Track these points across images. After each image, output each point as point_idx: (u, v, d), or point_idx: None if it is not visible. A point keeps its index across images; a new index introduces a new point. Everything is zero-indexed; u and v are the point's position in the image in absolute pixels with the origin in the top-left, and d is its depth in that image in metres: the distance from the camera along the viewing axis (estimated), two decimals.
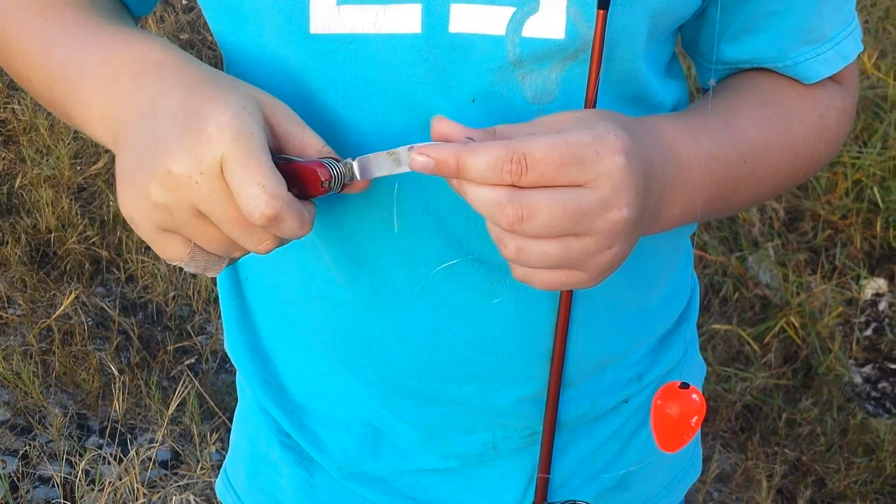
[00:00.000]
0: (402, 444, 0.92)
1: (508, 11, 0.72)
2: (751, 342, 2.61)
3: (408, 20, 0.72)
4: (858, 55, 0.85)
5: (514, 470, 0.92)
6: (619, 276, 0.83)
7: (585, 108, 0.72)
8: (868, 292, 2.80)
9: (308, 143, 0.69)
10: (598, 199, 0.64)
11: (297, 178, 0.68)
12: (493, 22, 0.72)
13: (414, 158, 0.64)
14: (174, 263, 0.69)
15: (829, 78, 0.85)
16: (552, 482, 0.92)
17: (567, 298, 0.80)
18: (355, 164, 0.69)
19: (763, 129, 0.80)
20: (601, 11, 0.69)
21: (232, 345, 0.97)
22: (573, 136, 0.64)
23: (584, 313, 0.85)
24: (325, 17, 0.73)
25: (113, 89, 0.70)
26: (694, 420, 0.72)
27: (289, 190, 0.65)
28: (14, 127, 3.13)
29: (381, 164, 0.68)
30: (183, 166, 0.64)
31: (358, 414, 0.92)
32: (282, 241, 0.68)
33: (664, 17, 0.75)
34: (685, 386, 0.72)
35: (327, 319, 0.87)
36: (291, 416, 0.95)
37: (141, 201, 0.66)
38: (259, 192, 0.62)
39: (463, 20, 0.72)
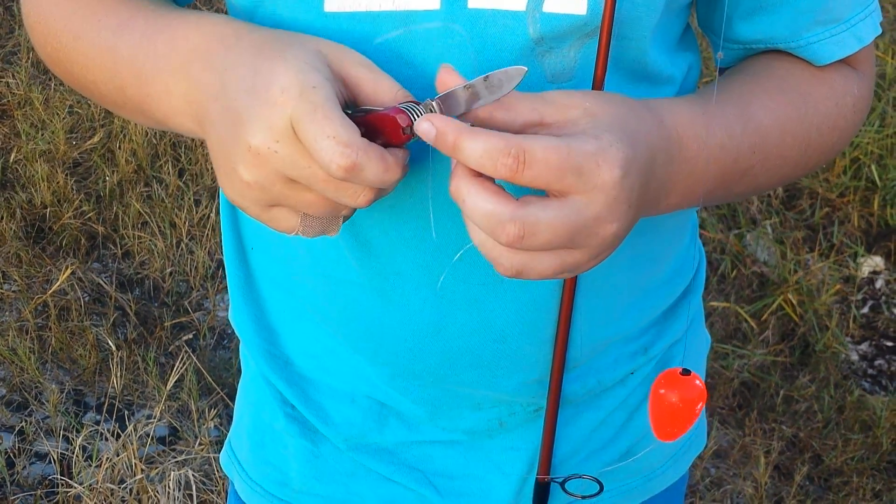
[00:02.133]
0: (408, 418, 0.92)
1: None
2: (748, 319, 2.61)
3: None
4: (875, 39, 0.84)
5: (519, 443, 0.91)
6: (624, 258, 0.83)
7: (594, 83, 0.71)
8: (865, 270, 2.80)
9: (382, 88, 0.67)
10: (593, 215, 0.64)
11: (377, 127, 0.66)
12: None
13: (419, 123, 0.63)
14: (293, 234, 0.70)
15: (846, 63, 0.84)
16: (558, 454, 0.92)
17: (570, 285, 0.80)
18: (435, 105, 0.67)
19: (778, 118, 0.79)
20: None
21: (236, 315, 0.96)
22: (577, 142, 0.63)
23: (589, 297, 0.84)
24: None
25: (188, 76, 0.70)
26: (698, 406, 0.71)
27: (374, 141, 0.64)
28: (8, 101, 3.11)
29: (460, 101, 0.66)
30: (259, 138, 0.64)
31: (363, 389, 0.91)
32: (381, 192, 0.67)
33: None
34: (686, 372, 0.71)
35: (334, 298, 0.86)
36: (296, 388, 0.94)
37: (236, 183, 0.67)
38: (331, 143, 0.61)
39: None
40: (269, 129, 0.63)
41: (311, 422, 0.94)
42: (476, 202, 0.63)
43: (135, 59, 0.74)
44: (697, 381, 0.71)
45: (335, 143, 0.61)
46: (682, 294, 0.97)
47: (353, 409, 0.92)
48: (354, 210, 0.70)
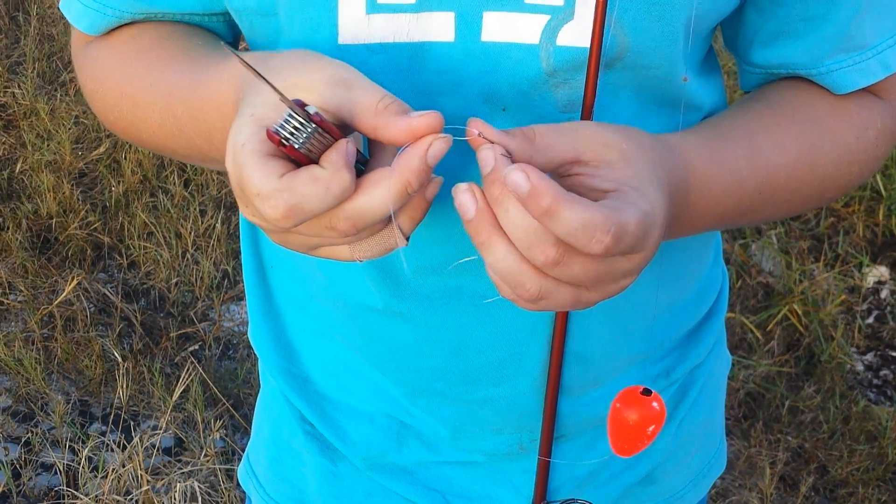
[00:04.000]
0: (429, 438, 0.92)
1: (543, 20, 0.70)
2: (754, 330, 2.61)
3: (441, 29, 0.71)
4: None
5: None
6: (649, 277, 0.83)
7: (583, 113, 0.70)
8: (870, 280, 2.80)
9: (362, 107, 0.63)
10: (629, 269, 0.65)
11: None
12: (527, 30, 0.70)
13: (511, 171, 0.58)
14: (360, 262, 0.66)
15: (872, 92, 0.82)
16: (580, 476, 0.92)
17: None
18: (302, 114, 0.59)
19: (789, 154, 0.78)
20: None
21: (255, 334, 0.97)
22: (644, 206, 0.62)
23: (614, 315, 0.84)
24: (354, 27, 0.71)
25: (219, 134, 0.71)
26: (651, 429, 0.70)
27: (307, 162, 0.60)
28: (14, 111, 3.11)
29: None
30: (243, 210, 0.63)
31: (383, 407, 0.91)
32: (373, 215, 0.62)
33: (700, 21, 0.74)
34: (647, 392, 0.70)
35: (352, 320, 0.86)
36: (315, 407, 0.94)
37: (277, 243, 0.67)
38: (260, 202, 0.59)
39: (496, 29, 0.71)
40: (240, 201, 0.63)
41: (329, 440, 0.94)
42: (516, 217, 0.60)
43: (197, 125, 0.75)
44: (655, 403, 0.69)
45: (261, 200, 0.59)
46: (706, 316, 0.96)
47: (372, 428, 0.92)
48: (418, 213, 0.66)
